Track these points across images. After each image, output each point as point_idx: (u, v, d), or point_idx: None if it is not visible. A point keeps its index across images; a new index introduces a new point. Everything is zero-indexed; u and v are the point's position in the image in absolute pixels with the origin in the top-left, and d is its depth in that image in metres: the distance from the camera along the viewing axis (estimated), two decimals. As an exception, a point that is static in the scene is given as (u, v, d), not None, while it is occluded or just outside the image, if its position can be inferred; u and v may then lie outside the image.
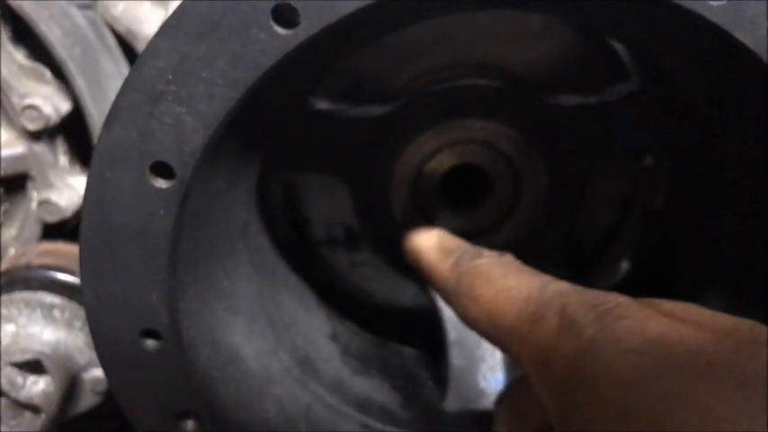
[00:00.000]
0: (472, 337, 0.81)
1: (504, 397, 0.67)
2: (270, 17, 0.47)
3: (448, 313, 0.82)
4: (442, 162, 0.80)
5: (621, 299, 0.46)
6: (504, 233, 0.86)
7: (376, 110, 0.77)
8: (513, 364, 0.83)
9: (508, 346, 0.52)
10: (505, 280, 0.54)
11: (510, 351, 0.52)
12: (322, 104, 0.77)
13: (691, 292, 0.74)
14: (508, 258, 0.59)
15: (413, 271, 0.83)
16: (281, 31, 0.47)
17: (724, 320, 0.43)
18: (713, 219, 0.73)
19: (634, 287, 0.89)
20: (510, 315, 0.51)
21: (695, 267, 0.77)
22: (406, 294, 0.93)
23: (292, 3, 0.47)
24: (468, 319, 0.57)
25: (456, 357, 0.82)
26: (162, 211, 0.53)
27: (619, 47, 0.77)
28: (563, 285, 0.51)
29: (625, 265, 0.93)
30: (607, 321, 0.44)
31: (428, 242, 0.69)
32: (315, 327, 0.82)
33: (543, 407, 0.48)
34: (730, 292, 0.70)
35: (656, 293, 0.82)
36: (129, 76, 0.50)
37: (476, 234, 0.84)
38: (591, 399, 0.42)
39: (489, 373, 0.82)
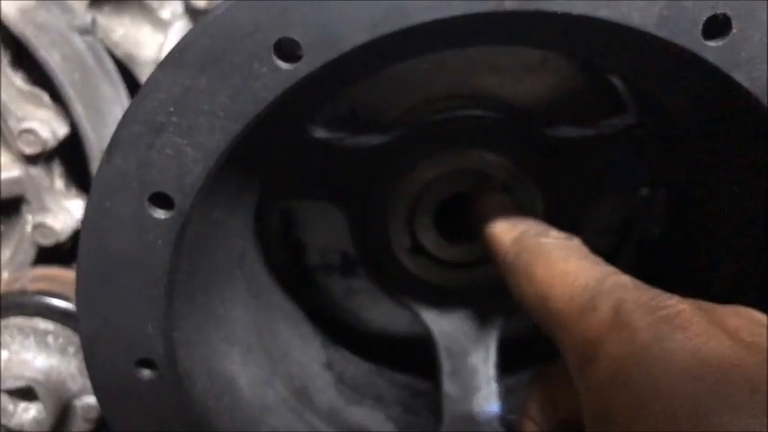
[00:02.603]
0: (467, 366, 0.81)
1: (538, 378, 0.64)
2: (272, 51, 0.47)
3: (443, 342, 0.82)
4: (439, 192, 0.80)
5: (684, 305, 0.42)
6: (501, 262, 0.86)
7: (374, 139, 0.77)
8: (508, 393, 0.82)
9: (554, 332, 0.50)
10: (565, 264, 0.52)
11: (556, 337, 0.50)
12: (320, 133, 0.77)
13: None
14: (574, 243, 0.57)
15: (408, 299, 0.83)
16: (283, 65, 0.48)
17: None
18: (709, 251, 0.74)
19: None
20: (563, 300, 0.49)
21: (691, 296, 0.77)
22: (401, 322, 0.93)
23: (295, 37, 0.47)
24: (520, 296, 0.55)
25: (451, 386, 0.81)
26: (160, 241, 0.53)
27: (617, 80, 0.77)
28: (624, 279, 0.48)
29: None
30: (664, 330, 0.41)
31: (497, 209, 0.66)
32: (310, 355, 0.82)
33: (576, 397, 0.46)
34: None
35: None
36: (130, 107, 0.50)
37: (473, 264, 0.84)
38: (631, 413, 0.39)
39: (484, 402, 0.82)
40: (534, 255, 0.56)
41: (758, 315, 0.44)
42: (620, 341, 0.42)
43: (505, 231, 0.62)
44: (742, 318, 0.42)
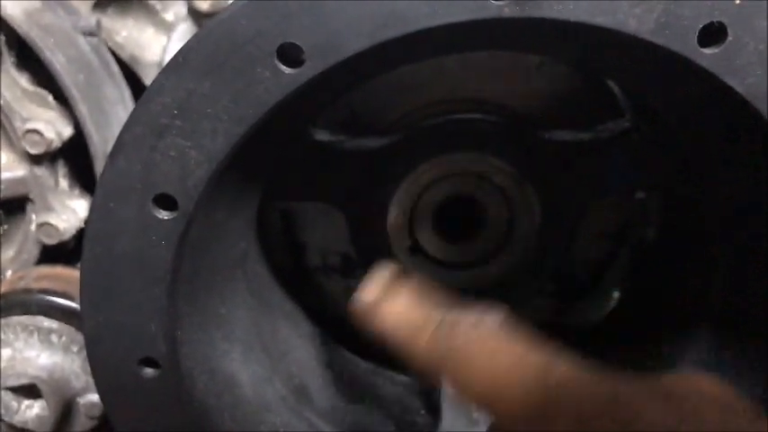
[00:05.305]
0: (466, 366, 0.82)
1: None
2: (275, 56, 0.48)
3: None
4: (438, 193, 0.81)
5: None
6: (498, 263, 0.86)
7: (373, 142, 0.78)
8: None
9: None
10: (497, 363, 0.48)
11: None
12: (321, 135, 0.78)
13: (682, 322, 0.75)
14: (494, 323, 0.50)
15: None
16: (285, 69, 0.48)
17: None
18: (704, 253, 0.74)
19: (625, 316, 0.90)
20: (514, 406, 0.46)
21: (687, 299, 0.78)
22: (400, 323, 0.93)
23: (297, 42, 0.48)
24: (464, 399, 0.52)
25: (449, 386, 0.82)
26: (163, 242, 0.54)
27: (613, 85, 0.78)
28: (566, 370, 0.46)
29: (617, 295, 0.93)
30: None
31: (393, 314, 0.57)
32: (310, 354, 0.83)
33: None
34: (721, 323, 0.70)
35: (647, 322, 0.83)
36: (134, 110, 0.51)
37: (470, 264, 0.84)
38: None
39: (482, 402, 0.82)
40: (458, 360, 0.51)
41: None
42: None
43: (413, 337, 0.55)
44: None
